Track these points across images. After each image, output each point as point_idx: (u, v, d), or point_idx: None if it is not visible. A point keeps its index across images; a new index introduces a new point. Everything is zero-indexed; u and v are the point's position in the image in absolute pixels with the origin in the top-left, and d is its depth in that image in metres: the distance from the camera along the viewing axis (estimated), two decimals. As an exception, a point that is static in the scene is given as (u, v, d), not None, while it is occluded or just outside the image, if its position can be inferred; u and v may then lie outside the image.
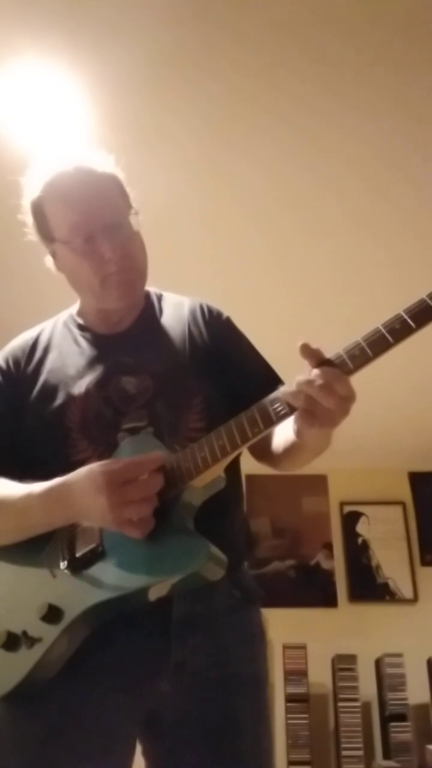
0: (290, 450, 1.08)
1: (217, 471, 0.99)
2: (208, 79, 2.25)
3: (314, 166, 2.57)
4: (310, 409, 0.88)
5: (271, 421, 0.93)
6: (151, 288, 1.30)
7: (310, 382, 0.87)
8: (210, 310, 1.28)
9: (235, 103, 2.33)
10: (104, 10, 2.03)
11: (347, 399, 0.88)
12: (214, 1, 2.03)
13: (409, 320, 0.84)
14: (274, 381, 1.18)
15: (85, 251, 1.13)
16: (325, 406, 0.87)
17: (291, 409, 0.91)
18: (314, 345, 0.91)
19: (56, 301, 1.37)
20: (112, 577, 0.97)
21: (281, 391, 0.92)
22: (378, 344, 0.86)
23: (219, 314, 1.28)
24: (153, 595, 0.96)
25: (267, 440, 1.13)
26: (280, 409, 0.92)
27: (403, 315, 0.85)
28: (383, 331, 0.86)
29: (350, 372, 0.87)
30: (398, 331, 0.85)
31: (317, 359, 0.89)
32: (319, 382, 0.87)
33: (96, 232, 1.12)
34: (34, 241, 1.21)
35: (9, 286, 3.04)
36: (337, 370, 0.87)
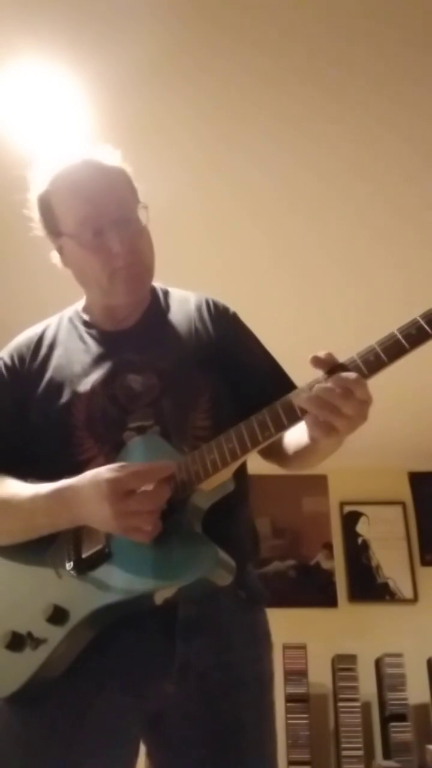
0: (301, 453, 1.07)
1: (226, 474, 0.98)
2: (208, 79, 2.25)
3: (315, 164, 2.57)
4: (330, 419, 0.86)
5: (283, 425, 0.91)
6: (156, 283, 1.28)
7: (329, 390, 0.85)
8: (216, 306, 1.26)
9: (236, 102, 2.32)
10: (104, 10, 2.03)
11: (366, 403, 0.87)
12: (214, 1, 2.03)
13: (426, 326, 0.82)
14: (282, 379, 1.17)
15: (93, 245, 1.10)
16: (345, 413, 0.85)
17: (303, 413, 0.89)
18: (322, 353, 0.89)
19: (56, 300, 1.36)
20: (118, 580, 0.96)
21: (294, 395, 0.91)
22: (393, 349, 0.84)
23: (225, 309, 1.26)
24: (159, 598, 0.95)
25: (277, 440, 1.12)
26: (292, 413, 0.90)
27: (420, 321, 0.83)
28: (399, 336, 0.84)
29: (365, 378, 0.86)
30: (414, 336, 0.83)
31: (329, 365, 0.88)
32: (339, 390, 0.85)
33: (105, 226, 1.10)
34: (35, 237, 1.19)
35: (8, 284, 3.04)
36: (355, 374, 0.86)
